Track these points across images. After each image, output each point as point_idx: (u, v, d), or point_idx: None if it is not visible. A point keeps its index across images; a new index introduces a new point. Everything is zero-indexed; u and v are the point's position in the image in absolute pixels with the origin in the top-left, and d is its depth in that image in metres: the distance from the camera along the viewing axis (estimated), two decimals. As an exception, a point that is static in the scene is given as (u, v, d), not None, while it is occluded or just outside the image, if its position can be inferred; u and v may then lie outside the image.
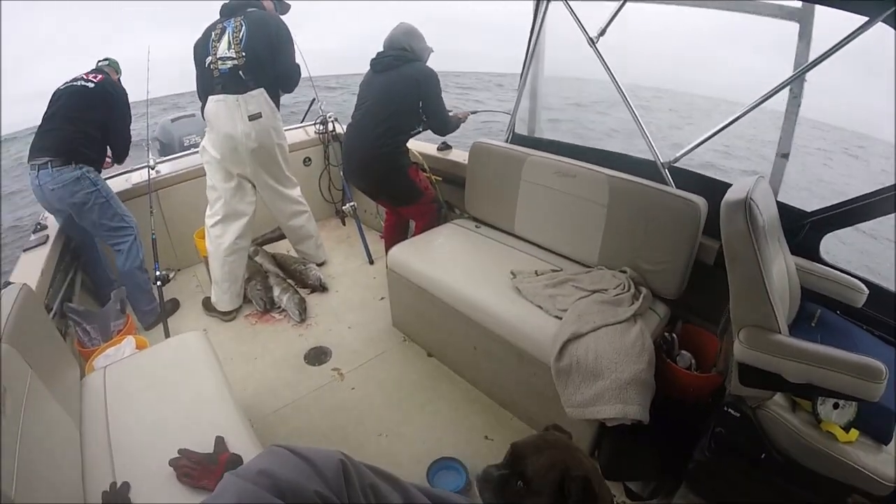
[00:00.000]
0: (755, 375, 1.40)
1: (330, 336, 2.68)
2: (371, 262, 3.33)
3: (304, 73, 3.08)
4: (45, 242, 2.49)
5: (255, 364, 2.49)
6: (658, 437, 1.81)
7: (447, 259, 2.42)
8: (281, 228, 3.21)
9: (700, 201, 1.93)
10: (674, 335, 2.04)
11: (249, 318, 2.84)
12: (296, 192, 3.00)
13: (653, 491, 1.87)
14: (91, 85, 2.52)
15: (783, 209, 1.90)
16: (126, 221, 2.61)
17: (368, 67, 2.60)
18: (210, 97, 2.51)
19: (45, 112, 2.48)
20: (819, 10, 1.78)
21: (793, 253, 1.81)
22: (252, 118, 2.52)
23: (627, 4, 2.15)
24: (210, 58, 2.49)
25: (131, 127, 2.72)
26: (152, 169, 2.99)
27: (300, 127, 3.89)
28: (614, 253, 2.19)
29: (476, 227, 2.68)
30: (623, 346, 1.78)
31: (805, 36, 1.84)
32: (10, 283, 1.98)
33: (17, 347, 1.29)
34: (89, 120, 2.49)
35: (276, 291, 2.88)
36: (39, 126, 2.47)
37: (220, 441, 1.38)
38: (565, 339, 1.82)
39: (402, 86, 2.49)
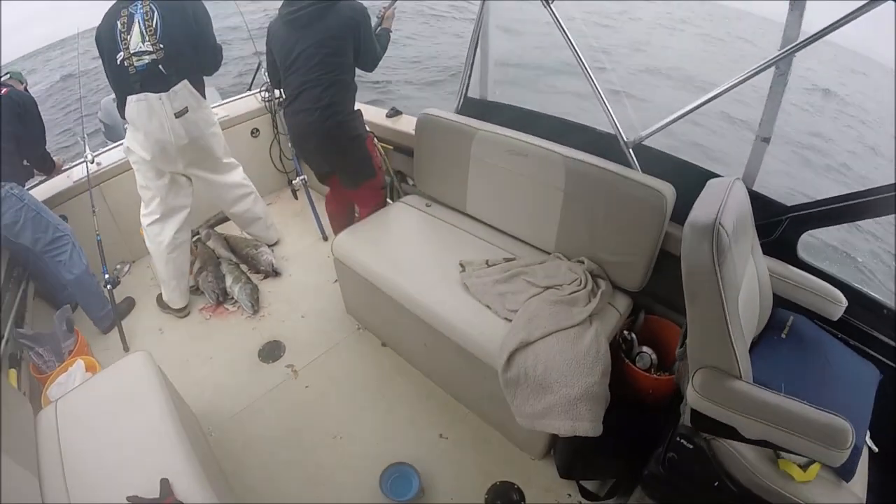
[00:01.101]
0: (708, 423, 1.22)
1: (283, 328, 2.51)
2: (325, 239, 3.06)
3: (245, 35, 2.67)
4: None
5: (211, 365, 2.35)
6: (616, 437, 1.68)
7: (394, 248, 2.17)
8: (226, 215, 2.94)
9: (666, 189, 1.66)
10: (633, 335, 1.85)
11: (204, 312, 2.65)
12: (236, 177, 2.69)
13: (609, 490, 1.77)
14: None
15: (760, 201, 1.64)
16: (61, 230, 2.37)
17: (280, 20, 2.11)
18: (129, 97, 2.15)
19: None
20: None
21: (768, 251, 1.57)
22: (178, 115, 2.20)
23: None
24: (122, 53, 2.09)
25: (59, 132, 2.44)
26: (91, 163, 2.68)
27: (247, 95, 3.46)
28: (572, 240, 1.94)
29: (427, 205, 2.41)
30: (575, 356, 1.59)
31: (797, 7, 1.47)
32: None
33: None
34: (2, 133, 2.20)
35: (229, 281, 2.67)
36: None
37: (164, 484, 1.30)
38: (513, 348, 1.63)
39: (336, 40, 2.05)
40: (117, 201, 2.84)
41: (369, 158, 2.33)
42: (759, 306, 1.49)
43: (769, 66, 1.50)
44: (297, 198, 3.40)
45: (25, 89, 2.46)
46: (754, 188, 1.73)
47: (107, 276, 2.52)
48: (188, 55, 2.19)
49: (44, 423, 1.56)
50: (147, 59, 2.12)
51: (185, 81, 2.21)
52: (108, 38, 2.13)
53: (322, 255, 2.96)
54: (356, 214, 2.69)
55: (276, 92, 3.16)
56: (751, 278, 1.42)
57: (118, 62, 2.12)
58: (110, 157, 2.87)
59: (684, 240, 1.15)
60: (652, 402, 1.80)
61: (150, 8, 2.11)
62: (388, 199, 2.69)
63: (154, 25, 2.10)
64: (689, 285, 1.17)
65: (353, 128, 2.20)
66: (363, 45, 2.12)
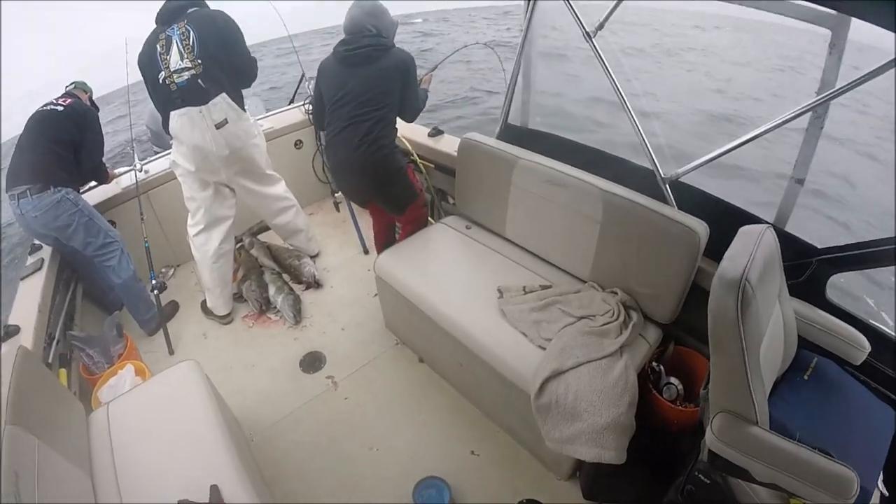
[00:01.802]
0: (724, 463, 1.38)
1: (324, 339, 2.73)
2: (366, 252, 3.29)
3: (290, 46, 2.88)
4: (40, 268, 2.53)
5: (254, 372, 2.58)
6: (639, 463, 1.84)
7: (434, 271, 2.36)
8: (268, 225, 3.18)
9: (700, 227, 1.80)
10: (661, 366, 2.01)
11: (247, 320, 2.90)
12: (279, 189, 2.94)
13: (632, 513, 1.95)
14: (60, 108, 2.52)
15: (790, 242, 1.77)
16: (111, 237, 2.63)
17: (333, 58, 2.34)
18: (172, 112, 2.40)
19: (18, 140, 2.47)
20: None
21: (796, 292, 1.70)
22: (219, 126, 2.43)
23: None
24: (163, 73, 2.36)
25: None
26: (139, 171, 2.95)
27: (290, 108, 3.72)
28: (607, 271, 2.11)
29: (467, 227, 2.60)
30: (604, 387, 1.76)
31: (837, 48, 1.58)
32: (10, 327, 2.09)
33: (21, 424, 1.36)
34: (59, 140, 2.47)
35: (272, 290, 2.91)
36: (13, 154, 2.46)
37: (214, 490, 1.47)
38: (546, 376, 1.80)
39: (387, 80, 2.27)
40: (164, 208, 3.12)
41: (411, 185, 2.53)
42: (784, 348, 1.63)
43: (806, 111, 1.61)
44: (338, 210, 3.62)
45: (90, 99, 2.73)
46: (786, 228, 1.86)
47: (154, 281, 2.79)
48: (225, 68, 2.44)
49: (96, 424, 1.76)
50: (187, 74, 2.37)
51: (224, 94, 2.44)
52: (149, 62, 2.40)
53: (363, 268, 3.18)
54: (397, 233, 2.88)
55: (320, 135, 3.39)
56: (776, 322, 1.56)
57: (160, 81, 2.38)
58: (158, 165, 3.13)
59: (712, 291, 1.29)
60: (676, 431, 1.95)
61: (186, 28, 2.37)
62: (430, 218, 2.87)
63: (191, 43, 2.36)
64: (714, 335, 1.31)
65: (395, 160, 2.40)
66: (409, 90, 2.35)
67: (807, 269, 1.78)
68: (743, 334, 1.24)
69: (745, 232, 1.48)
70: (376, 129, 2.29)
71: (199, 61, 2.36)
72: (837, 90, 1.51)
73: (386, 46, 2.27)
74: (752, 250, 1.34)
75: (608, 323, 1.95)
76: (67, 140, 2.52)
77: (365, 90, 2.26)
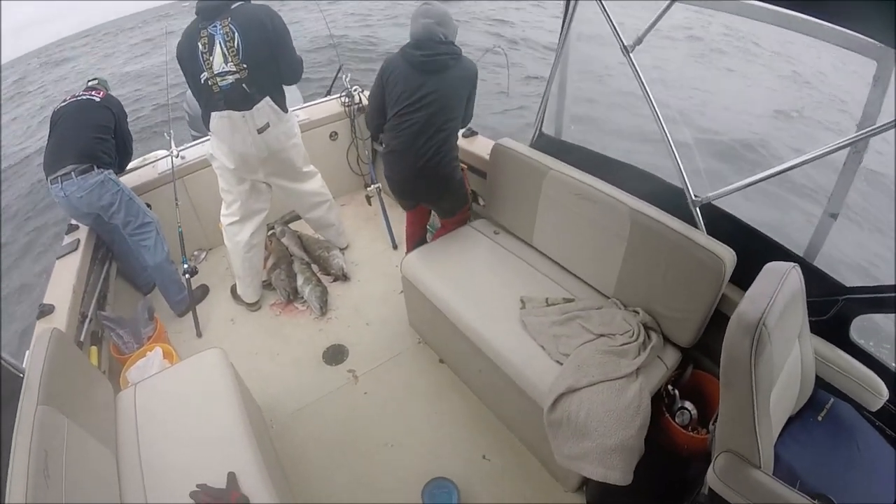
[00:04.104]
0: (723, 502, 1.47)
1: (348, 333, 2.90)
2: (395, 247, 3.45)
3: (329, 41, 2.99)
4: (76, 248, 2.73)
5: (278, 360, 2.78)
6: (646, 483, 1.93)
7: (459, 274, 2.48)
8: (301, 217, 3.36)
9: (727, 255, 1.85)
10: (675, 390, 2.10)
11: (274, 308, 3.10)
12: (314, 185, 3.08)
13: (638, 529, 2.06)
14: (97, 99, 2.77)
15: (818, 278, 1.81)
16: (149, 217, 2.86)
17: (403, 60, 2.33)
18: (213, 113, 2.49)
19: (54, 129, 2.70)
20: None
21: (819, 329, 1.75)
22: (261, 131, 2.54)
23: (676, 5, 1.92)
24: (205, 73, 2.41)
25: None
26: (175, 157, 3.14)
27: (326, 101, 3.86)
28: (631, 288, 2.19)
29: (495, 232, 2.71)
30: (616, 408, 1.86)
31: (881, 81, 1.59)
32: (45, 306, 2.31)
33: (53, 404, 1.53)
34: (101, 126, 2.71)
35: (300, 280, 3.10)
36: (50, 143, 2.68)
37: (231, 478, 1.63)
38: (560, 392, 1.92)
39: (459, 90, 2.35)
40: (198, 194, 3.33)
41: (465, 193, 2.66)
42: (800, 387, 1.68)
43: (846, 146, 1.61)
44: (370, 203, 3.71)
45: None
46: (815, 263, 1.89)
47: (186, 265, 2.99)
48: (271, 72, 2.49)
49: (123, 404, 1.93)
50: (231, 78, 2.42)
51: (268, 98, 2.51)
52: (190, 58, 2.44)
53: (390, 264, 3.34)
54: (429, 230, 3.04)
55: (356, 97, 3.55)
56: (794, 361, 1.61)
57: (202, 81, 2.44)
58: (194, 151, 3.33)
59: (728, 331, 1.35)
60: (685, 456, 2.05)
61: (231, 28, 2.37)
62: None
63: (236, 46, 2.37)
64: (725, 374, 1.39)
65: (457, 172, 2.53)
66: (472, 100, 2.45)
67: (832, 307, 1.82)
68: (754, 378, 1.30)
69: (770, 270, 1.51)
70: (448, 143, 2.41)
71: (245, 66, 2.39)
72: (880, 126, 1.51)
73: (458, 55, 2.33)
74: (773, 291, 1.37)
75: (627, 343, 2.04)
76: (110, 126, 2.75)
77: (441, 98, 2.32)
